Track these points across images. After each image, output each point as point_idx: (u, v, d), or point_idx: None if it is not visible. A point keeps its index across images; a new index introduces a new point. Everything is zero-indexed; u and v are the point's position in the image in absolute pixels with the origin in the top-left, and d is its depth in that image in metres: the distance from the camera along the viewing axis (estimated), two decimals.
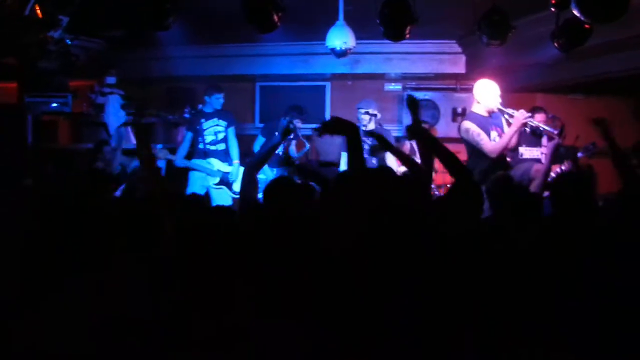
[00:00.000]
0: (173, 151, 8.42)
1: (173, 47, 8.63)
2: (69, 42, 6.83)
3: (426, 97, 10.09)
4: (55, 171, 7.95)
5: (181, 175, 8.37)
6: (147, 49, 9.24)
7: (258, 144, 8.81)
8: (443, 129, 9.85)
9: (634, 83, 8.20)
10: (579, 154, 7.75)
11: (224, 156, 8.44)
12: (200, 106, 8.92)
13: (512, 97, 9.54)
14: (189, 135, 8.43)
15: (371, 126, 8.05)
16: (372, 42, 8.43)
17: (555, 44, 6.23)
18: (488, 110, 6.55)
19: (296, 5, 6.01)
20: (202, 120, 8.37)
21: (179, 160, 8.30)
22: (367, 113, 8.06)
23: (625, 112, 9.51)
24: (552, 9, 5.96)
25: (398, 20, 5.90)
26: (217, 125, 8.41)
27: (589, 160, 8.35)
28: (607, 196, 5.69)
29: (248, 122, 10.21)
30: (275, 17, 5.81)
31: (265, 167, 8.40)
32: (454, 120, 9.78)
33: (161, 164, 8.50)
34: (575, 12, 4.89)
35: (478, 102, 6.60)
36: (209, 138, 8.37)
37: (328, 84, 10.81)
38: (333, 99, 10.80)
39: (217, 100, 8.36)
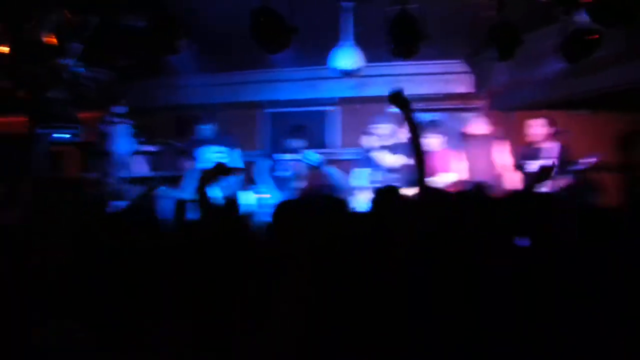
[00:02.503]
0: (178, 179, 8.44)
1: (180, 76, 8.69)
2: (82, 71, 6.88)
3: (433, 118, 10.11)
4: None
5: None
6: (155, 78, 9.31)
7: (264, 166, 8.80)
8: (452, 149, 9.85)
9: (634, 97, 8.22)
10: (574, 167, 7.79)
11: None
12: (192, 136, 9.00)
13: (519, 114, 9.59)
14: (189, 165, 8.55)
15: (390, 142, 8.12)
16: (379, 64, 8.47)
17: (563, 56, 6.26)
18: None
19: (302, 28, 6.04)
20: (201, 148, 8.45)
21: (187, 193, 8.30)
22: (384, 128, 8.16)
23: (630, 127, 9.53)
24: (560, 19, 6.02)
25: (408, 36, 5.92)
26: (215, 152, 8.42)
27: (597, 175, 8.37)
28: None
29: (256, 149, 10.20)
30: (285, 37, 5.84)
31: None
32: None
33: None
34: (583, 18, 4.92)
35: None
36: (207, 165, 8.38)
37: (335, 109, 10.83)
38: (341, 122, 10.82)
39: (207, 131, 8.43)
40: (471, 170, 8.26)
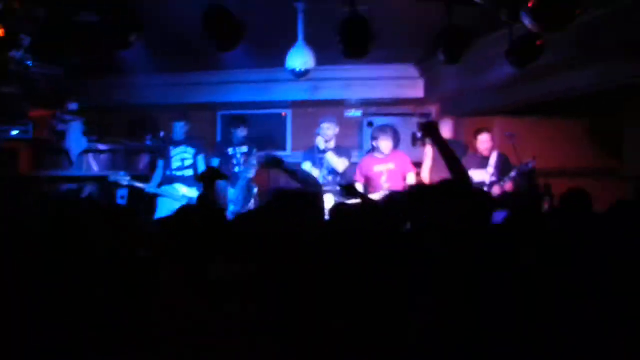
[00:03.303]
0: (135, 178, 8.44)
1: (134, 76, 8.68)
2: (30, 64, 6.82)
3: (385, 122, 10.21)
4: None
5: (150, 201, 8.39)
6: (108, 77, 9.26)
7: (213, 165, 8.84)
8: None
9: (587, 102, 8.42)
10: (513, 173, 8.02)
11: (192, 181, 8.52)
12: (162, 133, 9.03)
13: (471, 121, 9.75)
14: (161, 162, 8.63)
15: (332, 144, 8.23)
16: (332, 67, 8.56)
17: (510, 61, 6.39)
18: None
19: (256, 29, 6.06)
20: (171, 147, 8.56)
21: (151, 187, 8.41)
22: (329, 129, 8.28)
23: (581, 131, 9.76)
24: (506, 26, 6.15)
25: (358, 38, 5.99)
26: (185, 152, 8.55)
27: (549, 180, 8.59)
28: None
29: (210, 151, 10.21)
30: (235, 35, 5.87)
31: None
32: (413, 145, 9.88)
33: (124, 192, 8.52)
34: (526, 22, 5.04)
35: None
36: (175, 164, 8.52)
37: (288, 112, 10.91)
38: (294, 126, 10.89)
39: (178, 129, 8.51)
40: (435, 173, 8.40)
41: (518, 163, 8.14)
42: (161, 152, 8.71)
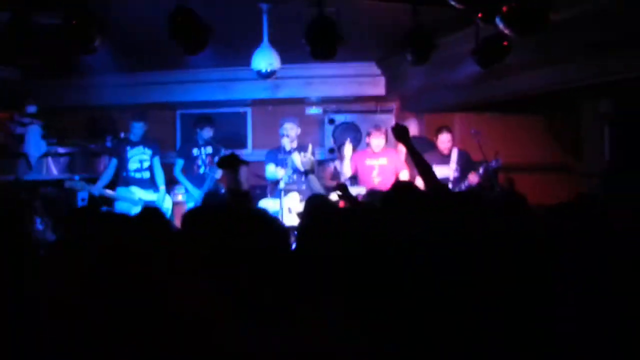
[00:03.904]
0: (94, 181, 8.29)
1: (93, 76, 8.53)
2: None
3: (347, 120, 10.25)
4: None
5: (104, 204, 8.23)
6: (65, 78, 9.09)
7: (178, 167, 8.75)
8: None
9: (546, 101, 8.57)
10: (480, 170, 8.13)
11: (149, 184, 8.41)
12: (122, 134, 8.90)
13: (432, 117, 9.84)
14: (114, 162, 8.44)
15: (295, 144, 8.26)
16: (292, 66, 8.51)
17: (475, 61, 6.44)
18: None
19: (217, 28, 6.01)
20: (128, 147, 8.38)
21: (98, 188, 8.19)
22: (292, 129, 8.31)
23: (540, 128, 9.92)
24: (475, 25, 6.20)
25: (326, 39, 5.98)
26: (143, 153, 8.41)
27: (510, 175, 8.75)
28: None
29: (170, 150, 10.10)
30: (202, 38, 5.82)
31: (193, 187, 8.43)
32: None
33: (84, 194, 8.38)
34: (500, 26, 5.08)
35: None
36: (133, 166, 8.37)
37: (249, 110, 10.86)
38: (254, 124, 10.85)
39: (137, 129, 8.37)
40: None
41: (482, 160, 8.22)
42: (116, 152, 8.53)
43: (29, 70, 8.44)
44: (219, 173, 8.40)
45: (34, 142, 8.66)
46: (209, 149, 8.70)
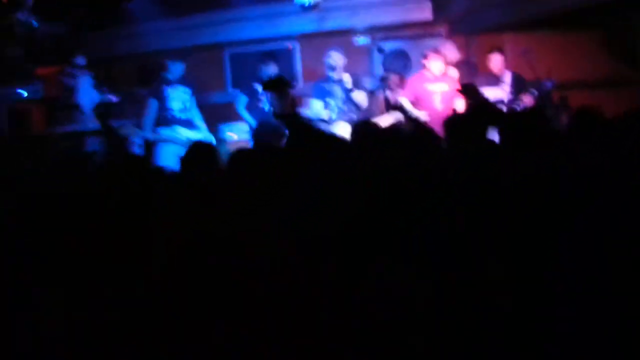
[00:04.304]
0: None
1: (138, 24, 8.56)
2: (35, 25, 6.75)
3: (395, 47, 10.11)
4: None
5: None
6: (112, 27, 9.16)
7: (241, 104, 8.71)
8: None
9: (599, 14, 8.27)
10: (534, 92, 7.92)
11: (192, 124, 8.35)
12: (162, 74, 8.84)
13: (480, 38, 9.62)
14: (155, 103, 8.19)
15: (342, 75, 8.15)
16: None
17: None
18: None
19: None
20: (167, 88, 8.22)
21: (149, 132, 8.11)
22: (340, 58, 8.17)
23: (594, 44, 9.61)
24: None
25: None
26: (185, 93, 8.28)
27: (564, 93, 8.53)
28: None
29: (219, 90, 10.09)
30: None
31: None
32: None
33: (139, 140, 8.40)
34: None
35: None
36: (177, 106, 8.23)
37: (297, 45, 10.78)
38: (303, 59, 10.77)
39: (176, 69, 8.26)
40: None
41: (534, 79, 8.03)
42: (157, 93, 8.25)
43: (76, 24, 8.51)
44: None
45: (86, 93, 8.77)
46: None
